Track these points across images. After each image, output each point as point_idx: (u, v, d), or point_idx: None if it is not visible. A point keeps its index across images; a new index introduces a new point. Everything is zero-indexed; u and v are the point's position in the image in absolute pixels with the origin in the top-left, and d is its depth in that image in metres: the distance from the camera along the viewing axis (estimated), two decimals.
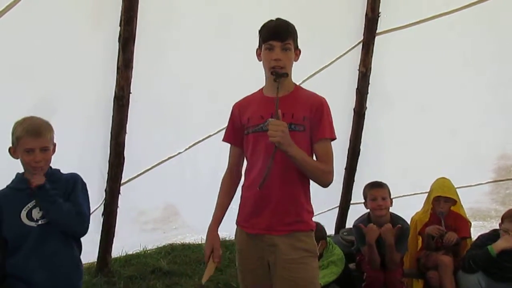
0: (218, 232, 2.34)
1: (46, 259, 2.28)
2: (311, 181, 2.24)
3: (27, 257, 2.27)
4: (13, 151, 2.31)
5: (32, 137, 2.25)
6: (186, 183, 4.31)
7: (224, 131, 2.40)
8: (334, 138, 2.23)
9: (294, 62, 2.23)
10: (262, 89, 2.32)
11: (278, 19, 2.22)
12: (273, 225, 2.18)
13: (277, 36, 2.15)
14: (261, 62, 2.23)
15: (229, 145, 2.41)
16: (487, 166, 4.81)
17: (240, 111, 2.32)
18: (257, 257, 2.25)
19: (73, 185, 2.39)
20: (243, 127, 2.29)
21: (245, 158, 2.35)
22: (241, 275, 2.36)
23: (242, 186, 2.34)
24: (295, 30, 2.22)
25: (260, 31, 2.23)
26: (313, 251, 2.23)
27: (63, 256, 2.34)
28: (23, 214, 2.28)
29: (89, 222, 2.43)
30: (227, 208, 2.37)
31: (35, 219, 2.28)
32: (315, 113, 2.18)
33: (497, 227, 3.55)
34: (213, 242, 2.29)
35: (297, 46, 2.23)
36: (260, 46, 2.23)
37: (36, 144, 2.26)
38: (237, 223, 2.34)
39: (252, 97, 2.35)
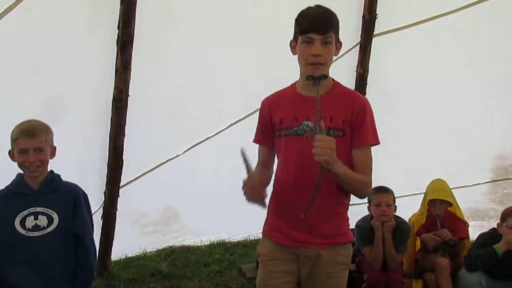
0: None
1: (40, 270, 2.26)
2: None
3: (20, 266, 2.25)
4: (12, 154, 2.31)
5: (26, 137, 2.25)
6: (185, 186, 4.31)
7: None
8: (378, 143, 1.99)
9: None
10: (294, 84, 2.07)
11: (318, 6, 1.95)
12: (312, 238, 1.98)
13: (318, 28, 1.87)
14: (296, 55, 1.97)
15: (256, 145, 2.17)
16: (485, 166, 4.82)
17: (271, 108, 2.07)
18: (289, 269, 2.04)
19: (76, 202, 2.37)
20: (274, 127, 2.05)
21: (276, 159, 2.13)
22: None
23: (272, 191, 2.08)
24: (338, 21, 1.96)
25: (297, 20, 1.95)
26: (347, 263, 2.09)
27: (57, 270, 2.31)
28: (17, 220, 2.26)
29: (96, 252, 2.52)
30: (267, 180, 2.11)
31: (27, 228, 2.25)
32: (356, 115, 1.93)
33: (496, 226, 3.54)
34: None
35: (339, 39, 1.97)
36: (295, 37, 1.95)
37: (29, 145, 2.25)
38: (266, 232, 2.12)
39: (284, 94, 2.09)
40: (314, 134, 1.81)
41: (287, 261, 2.04)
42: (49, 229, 2.28)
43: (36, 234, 2.26)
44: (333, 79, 2.04)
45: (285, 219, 2.02)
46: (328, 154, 1.75)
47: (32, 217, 2.27)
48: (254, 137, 2.17)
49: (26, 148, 2.25)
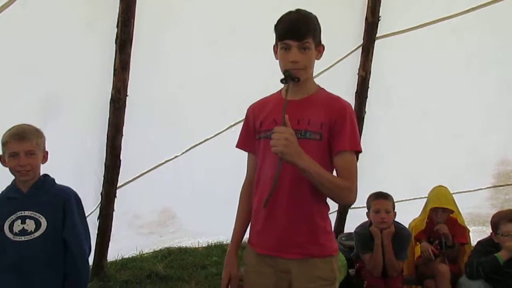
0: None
1: (24, 277, 2.19)
2: None
3: (5, 272, 2.19)
4: (3, 160, 2.27)
5: (16, 141, 2.21)
6: (183, 187, 4.27)
7: (237, 136, 2.15)
8: (358, 151, 1.90)
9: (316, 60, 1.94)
10: (281, 90, 2.05)
11: (297, 11, 1.91)
12: (282, 245, 1.91)
13: (294, 35, 1.84)
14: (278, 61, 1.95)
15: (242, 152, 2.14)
16: (487, 171, 4.79)
17: (255, 114, 2.05)
18: (268, 283, 1.96)
19: (66, 206, 2.29)
20: (256, 132, 2.03)
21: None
22: None
23: (254, 195, 2.04)
24: (316, 24, 1.90)
25: (275, 26, 1.92)
26: (330, 279, 1.93)
27: (42, 278, 2.23)
28: (6, 225, 2.21)
29: (87, 260, 2.40)
30: (247, 225, 2.08)
31: (14, 232, 2.20)
32: (335, 120, 1.87)
33: None
34: (230, 269, 2.04)
35: (320, 42, 1.92)
36: (276, 43, 1.93)
37: (20, 148, 2.21)
38: (248, 241, 2.06)
39: (269, 98, 2.07)
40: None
41: (266, 275, 1.97)
42: (37, 234, 2.22)
43: (23, 238, 2.20)
44: (319, 86, 2.02)
45: (261, 226, 1.97)
46: (282, 144, 1.72)
47: (19, 221, 2.21)
48: (237, 142, 2.13)
49: (17, 152, 2.21)
